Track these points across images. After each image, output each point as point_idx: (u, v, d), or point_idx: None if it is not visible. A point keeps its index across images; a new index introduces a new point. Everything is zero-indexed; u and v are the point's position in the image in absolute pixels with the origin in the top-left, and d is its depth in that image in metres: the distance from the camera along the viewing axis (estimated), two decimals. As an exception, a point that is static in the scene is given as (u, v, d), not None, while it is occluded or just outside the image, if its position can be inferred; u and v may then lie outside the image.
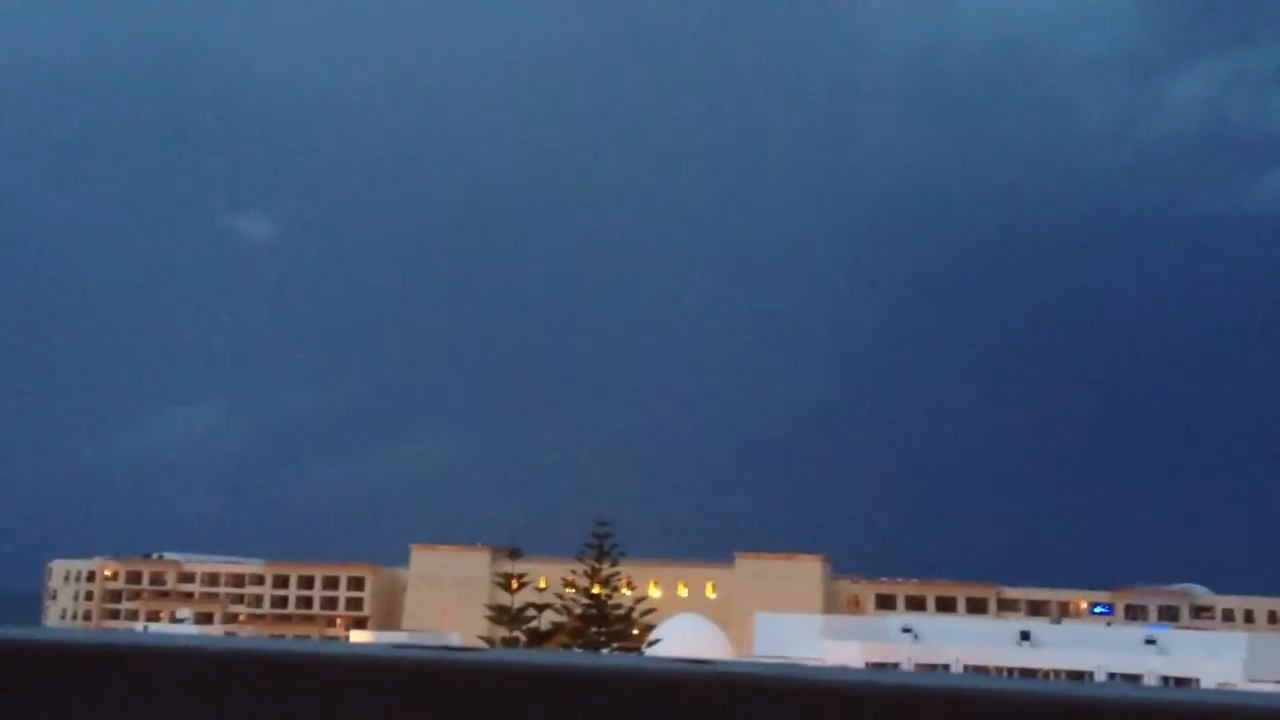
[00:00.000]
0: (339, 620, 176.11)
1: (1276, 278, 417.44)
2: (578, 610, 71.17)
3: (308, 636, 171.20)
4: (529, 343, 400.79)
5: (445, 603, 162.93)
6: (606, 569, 71.62)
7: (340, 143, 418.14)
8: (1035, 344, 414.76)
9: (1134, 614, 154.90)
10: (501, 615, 69.98)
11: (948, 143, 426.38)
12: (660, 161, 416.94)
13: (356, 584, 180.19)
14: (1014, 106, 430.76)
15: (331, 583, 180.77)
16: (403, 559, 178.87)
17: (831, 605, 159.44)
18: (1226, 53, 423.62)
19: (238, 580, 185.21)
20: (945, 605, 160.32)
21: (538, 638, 67.58)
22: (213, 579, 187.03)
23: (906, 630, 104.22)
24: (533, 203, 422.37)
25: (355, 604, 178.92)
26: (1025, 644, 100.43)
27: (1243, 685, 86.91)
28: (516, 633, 67.90)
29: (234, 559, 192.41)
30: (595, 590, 70.96)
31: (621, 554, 74.29)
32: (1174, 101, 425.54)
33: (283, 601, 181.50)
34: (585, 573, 72.07)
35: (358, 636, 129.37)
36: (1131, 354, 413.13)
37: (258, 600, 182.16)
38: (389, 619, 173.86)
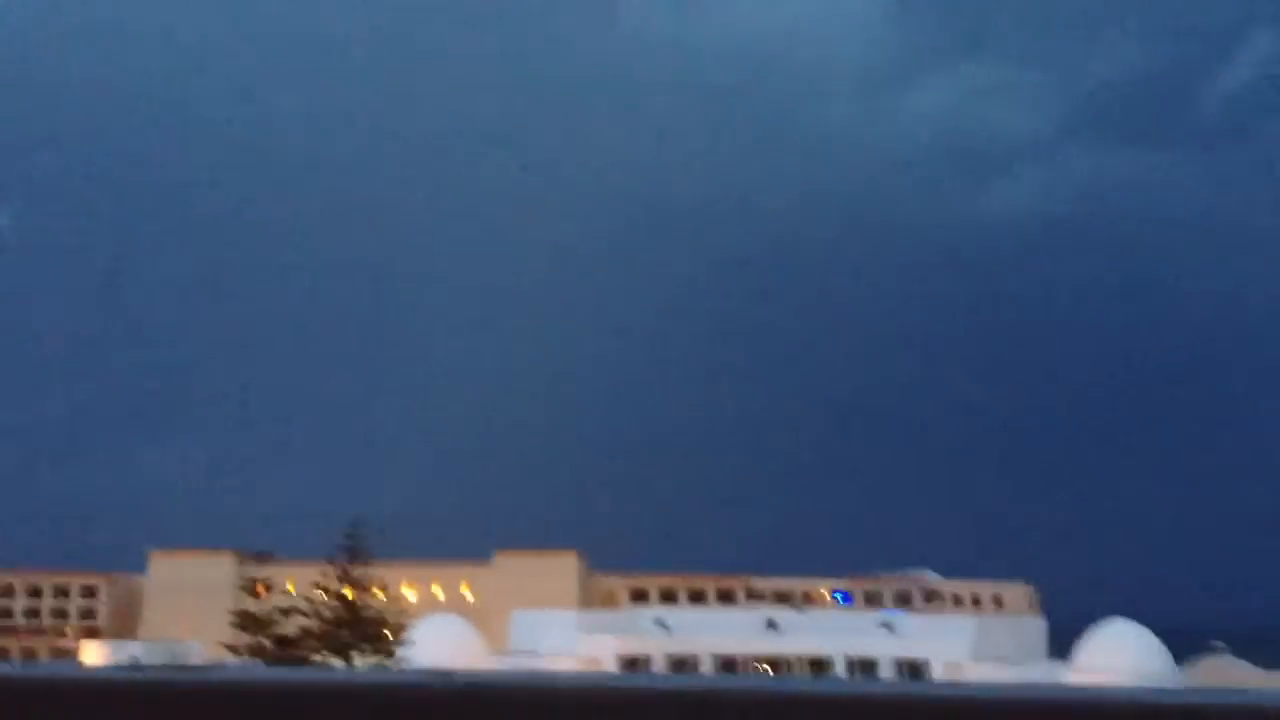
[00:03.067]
0: (70, 631, 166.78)
1: (1005, 279, 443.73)
2: (328, 614, 69.55)
3: (35, 650, 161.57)
4: (280, 343, 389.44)
5: (187, 610, 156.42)
6: (358, 571, 70.25)
7: (79, 134, 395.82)
8: (779, 341, 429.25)
9: (871, 600, 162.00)
10: (247, 622, 67.78)
11: (704, 145, 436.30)
12: (423, 165, 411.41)
13: (90, 592, 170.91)
14: (764, 115, 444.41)
15: (62, 591, 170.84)
16: (141, 565, 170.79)
17: (588, 600, 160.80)
18: (958, 66, 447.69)
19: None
20: (697, 597, 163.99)
21: (285, 644, 65.72)
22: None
23: (659, 623, 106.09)
24: (291, 199, 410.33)
25: (88, 614, 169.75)
26: (772, 632, 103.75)
27: (970, 665, 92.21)
28: (262, 639, 65.88)
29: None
30: (346, 593, 69.50)
31: (374, 556, 73.00)
32: (911, 112, 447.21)
33: (7, 613, 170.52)
34: (336, 576, 70.49)
35: (90, 648, 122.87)
36: (872, 350, 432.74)
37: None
38: (126, 629, 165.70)
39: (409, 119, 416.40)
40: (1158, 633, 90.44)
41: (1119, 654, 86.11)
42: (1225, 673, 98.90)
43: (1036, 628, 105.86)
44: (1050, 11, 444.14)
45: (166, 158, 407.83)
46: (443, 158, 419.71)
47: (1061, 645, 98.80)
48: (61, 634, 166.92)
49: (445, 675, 3.24)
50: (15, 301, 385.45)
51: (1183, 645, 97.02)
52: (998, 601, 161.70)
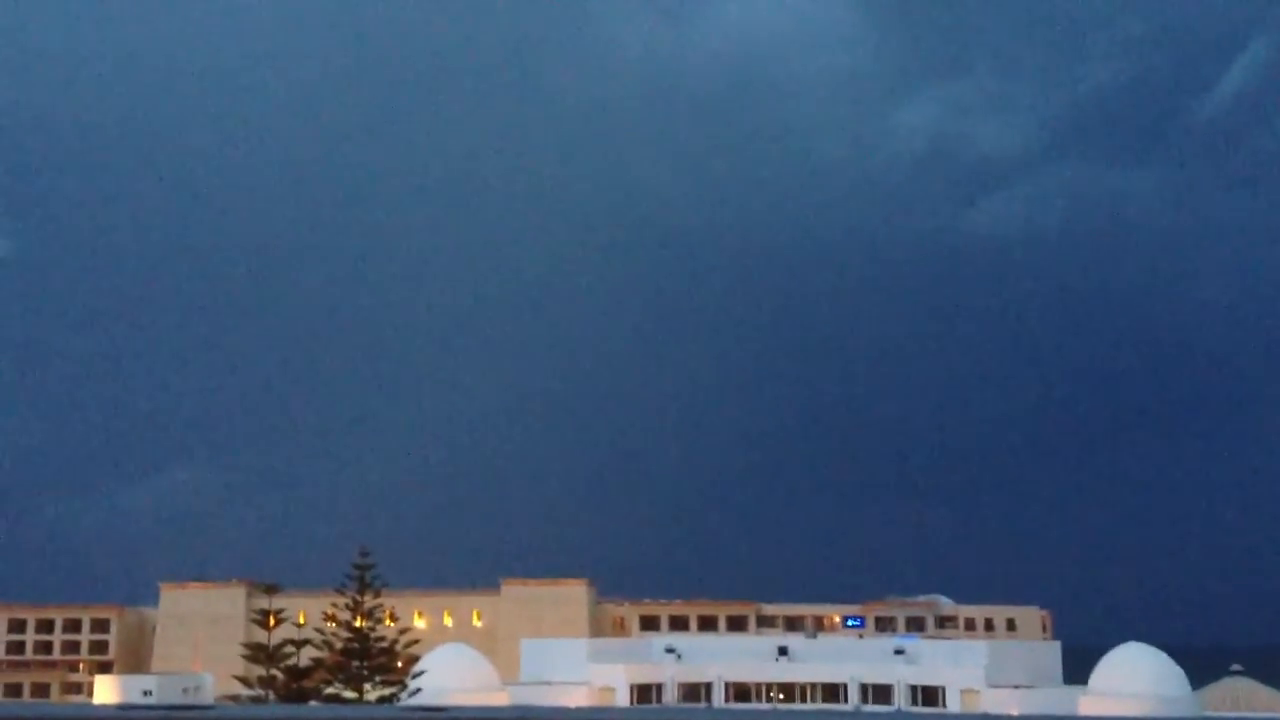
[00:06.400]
0: (82, 665, 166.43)
1: (1003, 296, 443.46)
2: (339, 645, 69.45)
3: (46, 685, 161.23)
4: (285, 371, 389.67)
5: (198, 642, 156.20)
6: (369, 601, 70.17)
7: (78, 157, 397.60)
8: (788, 365, 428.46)
9: (884, 625, 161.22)
10: (258, 653, 67.73)
11: (684, 159, 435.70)
12: (411, 197, 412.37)
13: (101, 626, 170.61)
14: (749, 128, 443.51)
15: (74, 625, 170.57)
16: (151, 598, 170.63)
17: (597, 628, 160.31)
18: (946, 81, 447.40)
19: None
20: (707, 624, 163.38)
21: (296, 675, 65.59)
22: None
23: (670, 650, 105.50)
24: (293, 231, 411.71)
25: (100, 647, 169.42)
26: (783, 659, 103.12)
27: (985, 691, 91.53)
28: (274, 671, 65.76)
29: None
30: (358, 623, 69.40)
31: (384, 585, 72.96)
32: (899, 127, 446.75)
33: (19, 647, 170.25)
34: (346, 606, 70.43)
35: (102, 682, 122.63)
36: (881, 373, 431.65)
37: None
38: (137, 662, 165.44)
39: (399, 142, 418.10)
40: (1173, 654, 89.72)
41: (1135, 677, 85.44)
42: (1243, 696, 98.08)
43: (1051, 651, 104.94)
44: (1038, 23, 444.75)
45: (161, 184, 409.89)
46: (438, 188, 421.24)
47: (1077, 669, 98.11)
48: (74, 668, 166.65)
49: (435, 711, 3.18)
50: (17, 328, 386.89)
51: (1199, 667, 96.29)
52: (1011, 625, 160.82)
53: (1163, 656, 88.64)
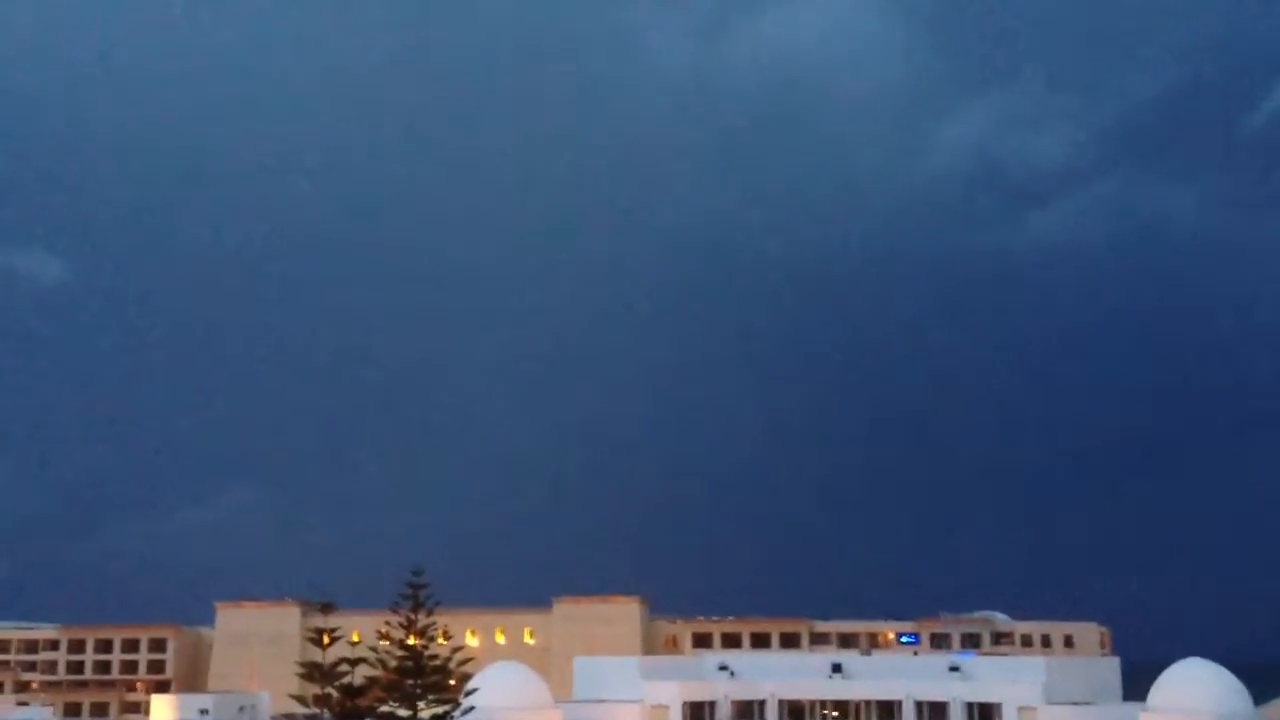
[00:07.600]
0: (140, 684, 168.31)
1: (1044, 309, 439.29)
2: (393, 663, 69.70)
3: (106, 704, 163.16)
4: (337, 391, 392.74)
5: (254, 661, 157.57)
6: (422, 620, 70.31)
7: (129, 178, 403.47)
8: (839, 381, 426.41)
9: (939, 642, 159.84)
10: (314, 672, 68.05)
11: (731, 177, 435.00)
12: (457, 226, 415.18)
13: (158, 645, 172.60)
14: (790, 146, 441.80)
15: (132, 645, 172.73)
16: (208, 617, 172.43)
17: (650, 646, 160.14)
18: (992, 94, 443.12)
19: (30, 646, 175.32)
20: (760, 641, 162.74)
21: (351, 693, 65.82)
22: (2, 646, 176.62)
23: (723, 668, 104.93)
24: (346, 255, 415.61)
25: (157, 666, 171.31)
26: (837, 676, 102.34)
27: (1042, 708, 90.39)
28: (329, 689, 66.03)
29: (24, 624, 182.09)
30: (411, 642, 69.57)
31: (437, 603, 73.14)
32: (945, 140, 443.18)
33: (79, 667, 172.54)
34: (400, 624, 70.64)
35: (160, 701, 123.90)
36: (936, 388, 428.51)
37: (52, 667, 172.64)
38: (194, 681, 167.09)
39: (447, 165, 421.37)
40: (1235, 670, 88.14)
41: (1195, 694, 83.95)
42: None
43: (1110, 667, 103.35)
44: (1086, 35, 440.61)
45: (220, 208, 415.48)
46: (487, 211, 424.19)
47: (1136, 685, 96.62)
48: (131, 687, 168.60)
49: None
50: (74, 349, 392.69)
51: (1261, 683, 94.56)
52: (1069, 642, 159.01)
53: (1224, 672, 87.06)
